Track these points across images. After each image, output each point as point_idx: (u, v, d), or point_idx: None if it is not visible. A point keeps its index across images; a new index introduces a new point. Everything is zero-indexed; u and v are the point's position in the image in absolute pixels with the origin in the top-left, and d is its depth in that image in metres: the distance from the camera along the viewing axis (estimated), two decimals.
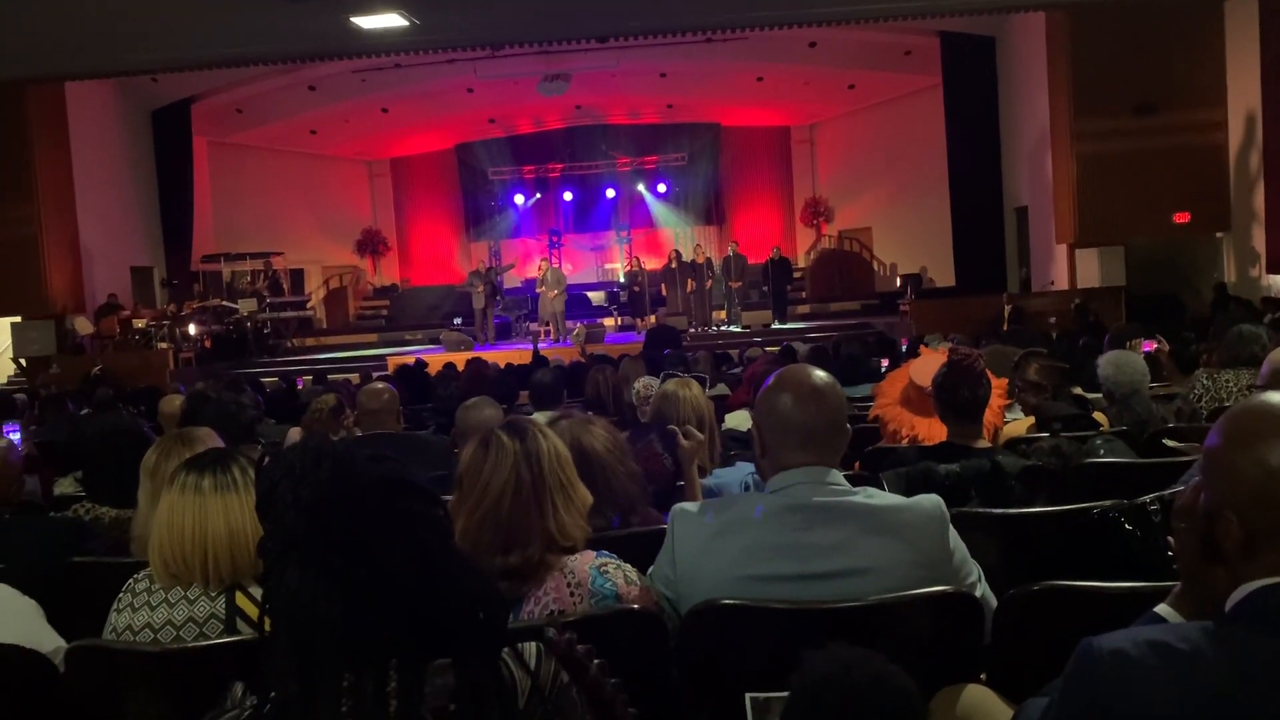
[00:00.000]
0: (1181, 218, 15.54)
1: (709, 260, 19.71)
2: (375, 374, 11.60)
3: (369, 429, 4.80)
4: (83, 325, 18.24)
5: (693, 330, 18.40)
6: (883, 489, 2.59)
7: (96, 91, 18.74)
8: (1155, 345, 6.65)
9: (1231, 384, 4.55)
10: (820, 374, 2.25)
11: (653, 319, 18.90)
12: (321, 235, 24.61)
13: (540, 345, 16.22)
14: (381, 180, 26.28)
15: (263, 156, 23.25)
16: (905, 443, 3.91)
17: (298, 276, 23.69)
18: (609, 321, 20.38)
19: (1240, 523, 1.43)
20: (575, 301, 20.48)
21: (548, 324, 19.05)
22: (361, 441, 4.60)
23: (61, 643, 2.40)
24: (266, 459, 1.39)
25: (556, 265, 21.04)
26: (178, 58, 13.33)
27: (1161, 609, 1.64)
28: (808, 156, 25.37)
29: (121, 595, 2.32)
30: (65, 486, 4.68)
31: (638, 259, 20.80)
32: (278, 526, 1.33)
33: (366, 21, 12.15)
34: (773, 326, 18.76)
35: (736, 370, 9.17)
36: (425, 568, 1.34)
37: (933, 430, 3.73)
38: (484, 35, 13.47)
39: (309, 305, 23.31)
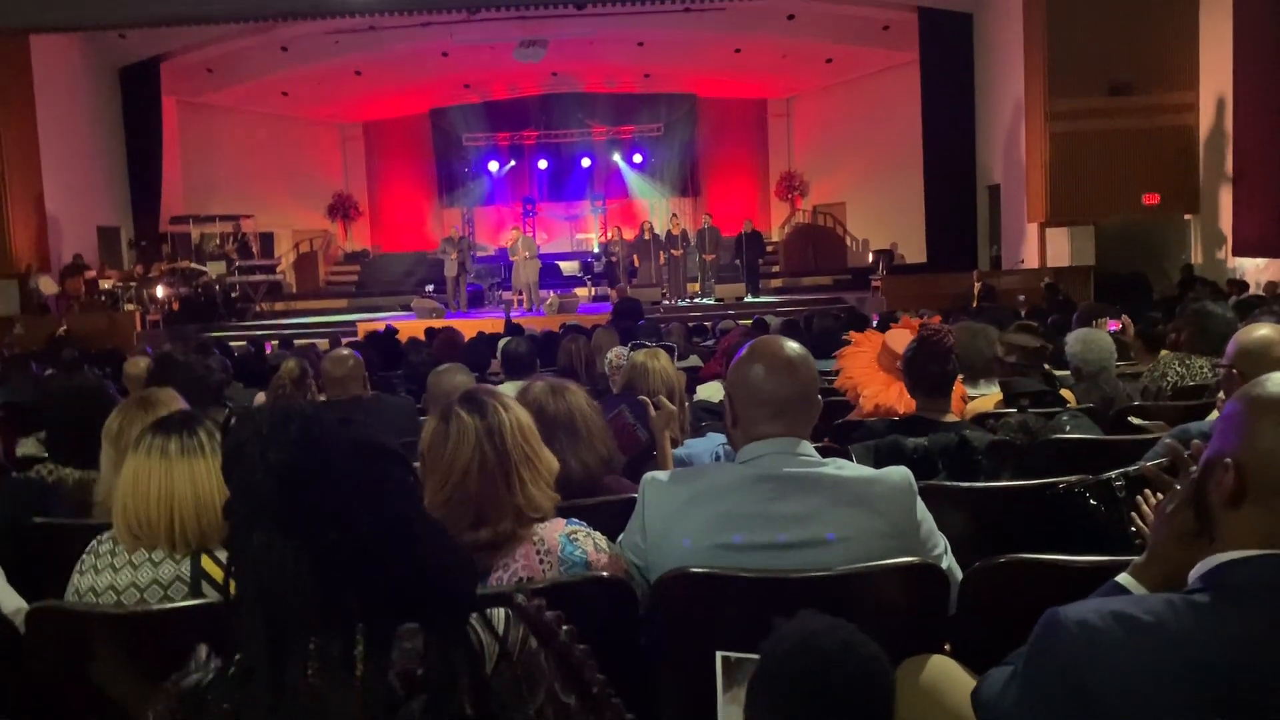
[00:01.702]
0: (1151, 199, 15.68)
1: (684, 232, 19.66)
2: (345, 339, 11.26)
3: (334, 396, 4.76)
4: (47, 285, 18.02)
5: (666, 302, 18.46)
6: (851, 461, 2.60)
7: (63, 47, 18.40)
8: (1120, 325, 6.67)
9: (1206, 371, 4.59)
10: (793, 345, 2.25)
11: (627, 289, 18.79)
12: (292, 198, 24.19)
13: (513, 314, 16.12)
14: (354, 144, 25.88)
15: (233, 117, 22.90)
16: (871, 407, 3.95)
17: (267, 240, 23.44)
18: (582, 291, 20.34)
19: (1236, 474, 1.47)
20: (549, 271, 20.46)
21: (520, 293, 19.00)
22: (327, 405, 4.56)
23: (22, 604, 2.38)
24: (233, 420, 1.37)
25: (530, 234, 20.86)
26: (148, 13, 13.10)
27: (1123, 579, 1.67)
28: (784, 130, 25.29)
29: (85, 557, 2.30)
30: (28, 448, 4.63)
31: (618, 229, 20.47)
32: (244, 488, 1.32)
33: None
34: (745, 300, 18.78)
35: (709, 342, 9.13)
36: (395, 532, 1.33)
37: (902, 399, 3.77)
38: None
39: (279, 269, 23.07)
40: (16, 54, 16.95)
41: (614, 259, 19.50)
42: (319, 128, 25.30)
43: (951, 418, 3.34)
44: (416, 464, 1.95)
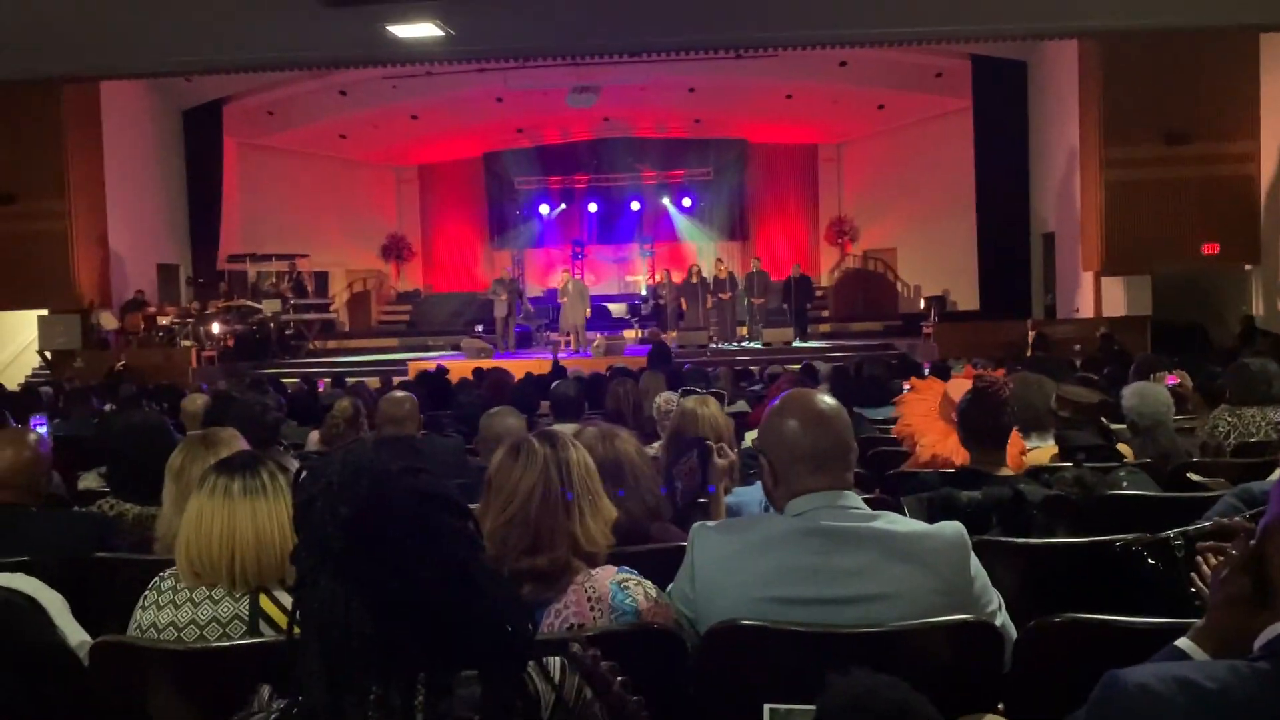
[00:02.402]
0: (1210, 249, 15.36)
1: (731, 275, 19.48)
2: (396, 378, 11.52)
3: (388, 434, 4.77)
4: (108, 320, 18.26)
5: (714, 345, 18.23)
6: (903, 514, 2.57)
7: (130, 90, 18.82)
8: (1178, 379, 6.54)
9: (1259, 419, 4.47)
10: (824, 398, 2.24)
11: (674, 334, 18.67)
12: (347, 239, 24.40)
13: (560, 355, 16.04)
14: (408, 186, 26.13)
15: (292, 159, 23.10)
16: (928, 457, 3.89)
17: (322, 279, 23.57)
18: (630, 334, 20.14)
19: None
20: (597, 313, 20.32)
21: (568, 334, 18.81)
22: (380, 444, 4.50)
23: (86, 637, 2.40)
24: (304, 473, 1.40)
25: (579, 277, 20.68)
26: (212, 60, 13.36)
27: (1183, 643, 1.62)
28: (834, 175, 25.04)
29: (147, 593, 2.33)
30: (89, 481, 4.67)
31: (666, 271, 20.42)
32: (314, 539, 1.34)
33: (403, 30, 12.09)
34: (794, 344, 18.53)
35: (756, 387, 9.09)
36: (456, 582, 1.35)
37: (956, 453, 3.71)
38: (517, 48, 13.37)
39: (332, 308, 23.23)
40: (86, 97, 17.35)
41: (661, 302, 19.39)
42: (374, 170, 25.46)
43: (1006, 471, 3.27)
44: (475, 505, 1.98)
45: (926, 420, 4.05)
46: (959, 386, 3.79)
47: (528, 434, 2.23)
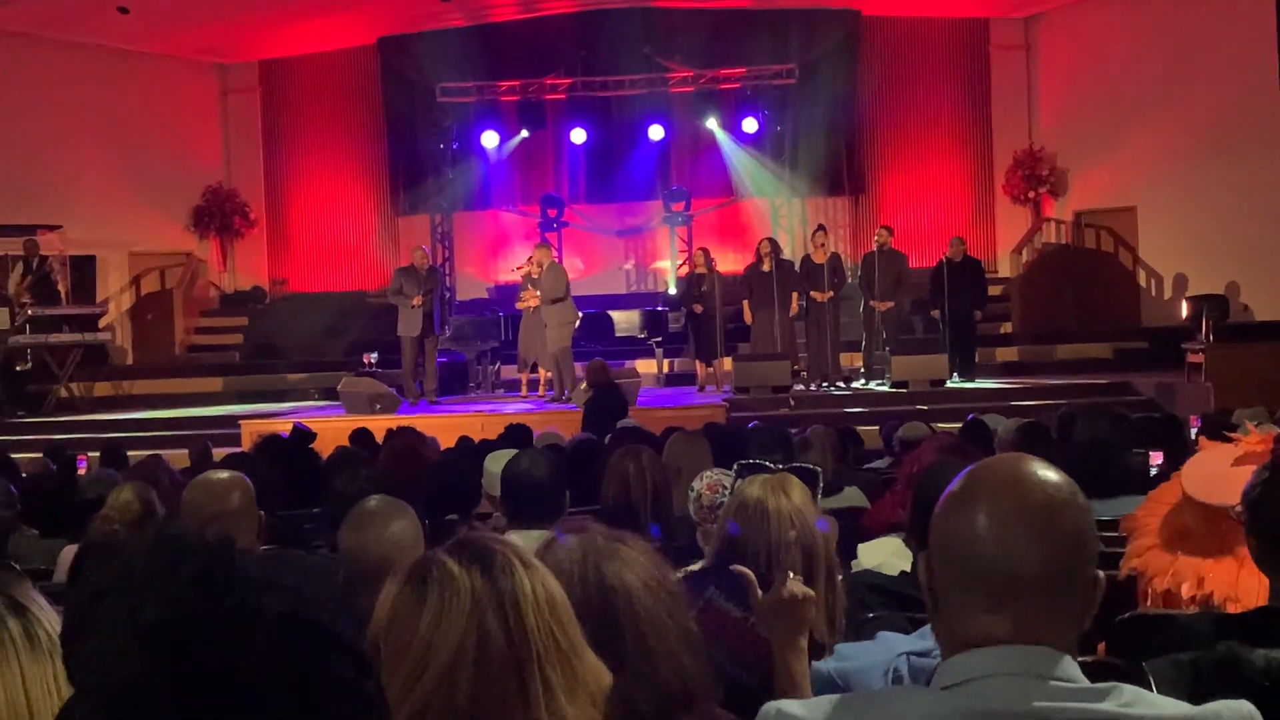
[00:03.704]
0: None
1: (835, 259, 14.56)
2: (219, 450, 9.69)
3: None
4: None
5: (801, 387, 14.43)
6: (1150, 690, 1.90)
7: None
8: None
9: None
10: (1047, 475, 1.65)
11: (727, 362, 14.49)
12: (133, 196, 18.15)
13: (521, 407, 13.48)
14: (243, 99, 19.61)
15: (28, 50, 17.08)
16: (1188, 608, 3.02)
17: (85, 268, 17.53)
18: (647, 366, 15.62)
19: None
20: (589, 328, 15.88)
21: (533, 368, 15.16)
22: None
23: None
24: (87, 557, 1.36)
25: (555, 260, 15.25)
26: None
27: None
28: (1021, 74, 18.30)
29: None
30: None
31: (704, 253, 15.07)
32: (99, 665, 1.17)
33: None
34: (950, 384, 14.40)
35: (880, 462, 7.89)
36: None
37: (1237, 581, 2.88)
38: None
39: (104, 322, 17.29)
40: None
41: (705, 307, 14.85)
42: (181, 70, 19.09)
43: None
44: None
45: (1154, 555, 3.17)
46: (1203, 474, 3.02)
47: (437, 550, 1.61)
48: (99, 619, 1.14)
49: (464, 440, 8.45)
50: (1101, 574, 1.63)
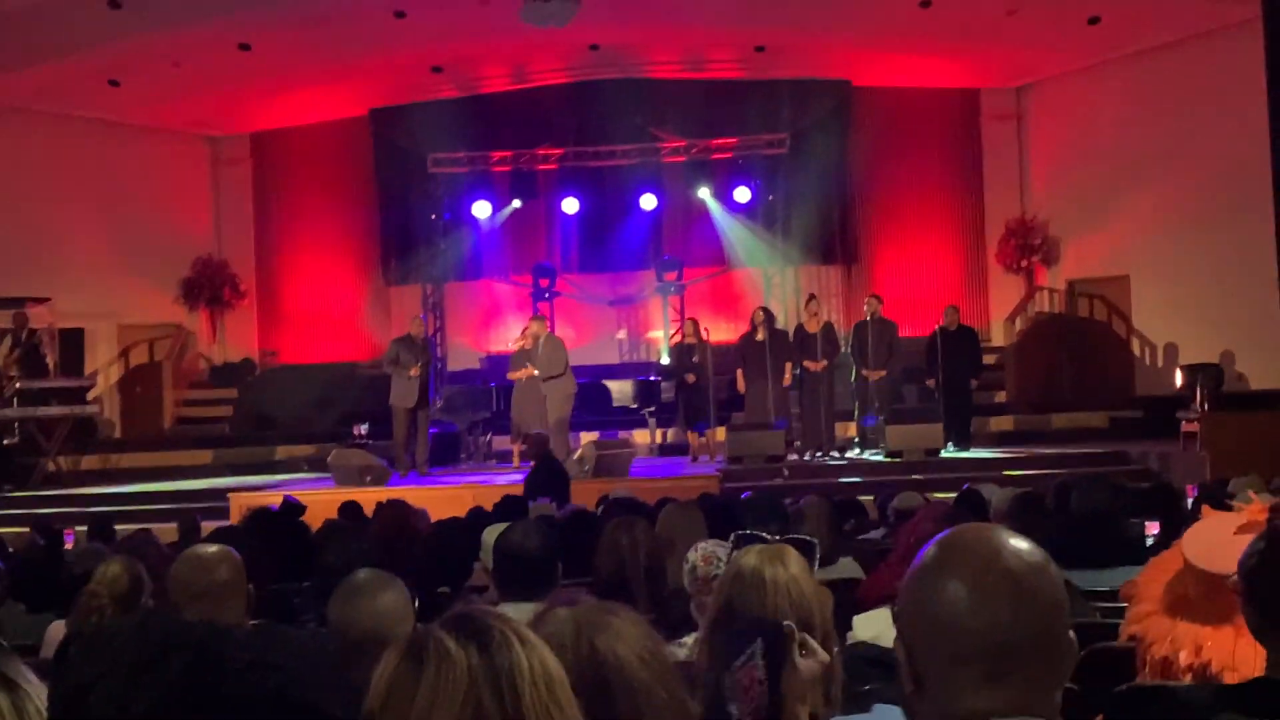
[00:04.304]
0: None
1: (828, 328, 14.68)
2: (207, 524, 9.59)
3: None
4: None
5: (794, 458, 14.43)
6: None
7: None
8: None
9: None
10: (1019, 542, 1.65)
11: (720, 432, 14.60)
12: (122, 268, 18.13)
13: (514, 478, 12.79)
14: (234, 171, 19.45)
15: (18, 122, 17.07)
16: (1185, 676, 3.06)
17: (73, 341, 17.52)
18: (642, 436, 16.03)
19: None
20: (583, 399, 15.49)
21: (528, 440, 14.41)
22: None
23: None
24: (72, 648, 1.29)
25: (550, 329, 15.37)
26: None
27: None
28: (1012, 144, 18.21)
29: None
30: None
31: (694, 323, 15.06)
32: None
33: None
34: (944, 454, 14.35)
35: (875, 533, 7.81)
36: None
37: (1235, 650, 2.91)
38: None
39: (92, 395, 17.09)
40: None
41: (698, 379, 14.94)
42: (173, 142, 18.99)
43: None
44: None
45: (1154, 621, 3.19)
46: (1204, 542, 3.05)
47: (433, 625, 1.60)
48: (88, 712, 1.13)
49: (466, 514, 8.27)
50: (1074, 635, 1.63)
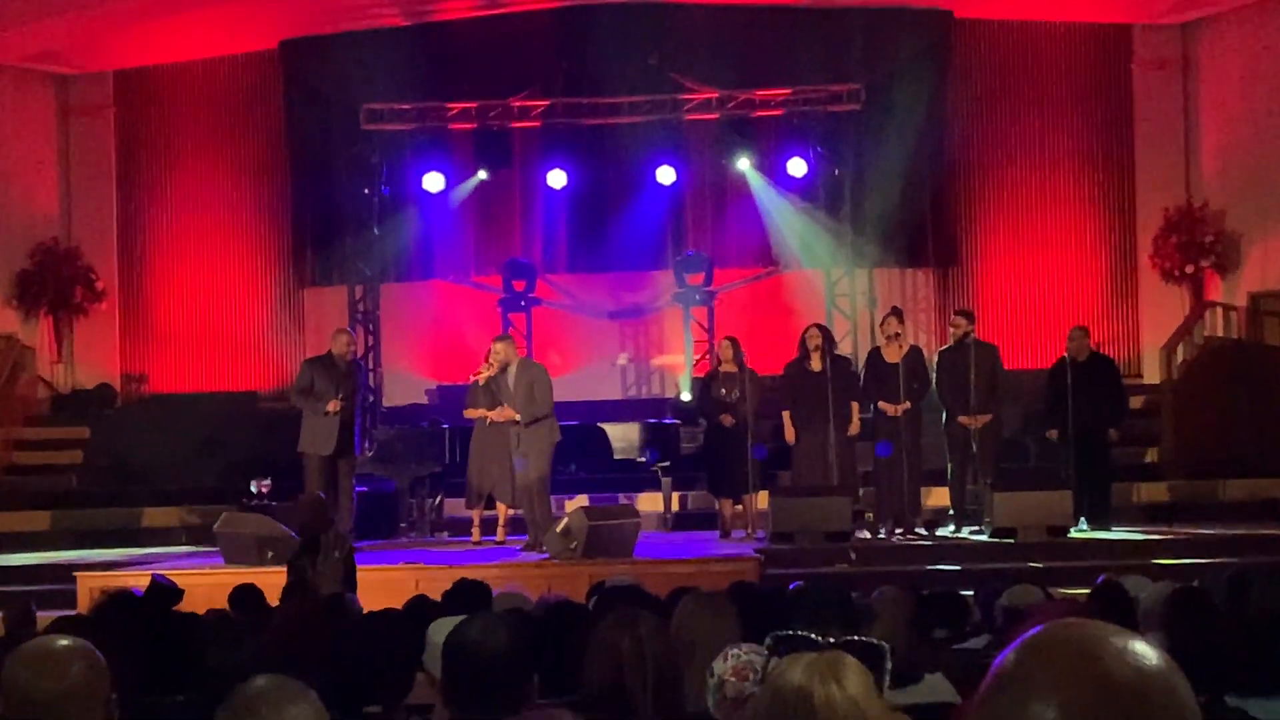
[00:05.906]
0: None
1: (915, 354, 12.38)
2: (45, 615, 8.59)
3: None
4: None
5: (866, 535, 12.66)
6: None
7: None
8: None
9: None
10: (1134, 644, 1.48)
11: (762, 498, 12.81)
12: None
13: (470, 558, 11.83)
14: (91, 122, 16.78)
15: None
16: None
17: None
18: (651, 501, 13.84)
19: None
20: (568, 448, 13.24)
21: (488, 502, 12.80)
22: None
23: None
24: None
25: (526, 353, 13.77)
26: None
27: None
28: (1175, 102, 15.40)
29: None
30: None
31: (731, 343, 12.81)
32: None
33: None
34: (1074, 533, 12.30)
35: (977, 642, 6.63)
36: None
37: None
38: None
39: None
40: None
41: (737, 422, 12.82)
42: (6, 82, 16.35)
43: None
44: None
45: None
46: None
47: None
48: None
49: (406, 604, 7.23)
50: None
